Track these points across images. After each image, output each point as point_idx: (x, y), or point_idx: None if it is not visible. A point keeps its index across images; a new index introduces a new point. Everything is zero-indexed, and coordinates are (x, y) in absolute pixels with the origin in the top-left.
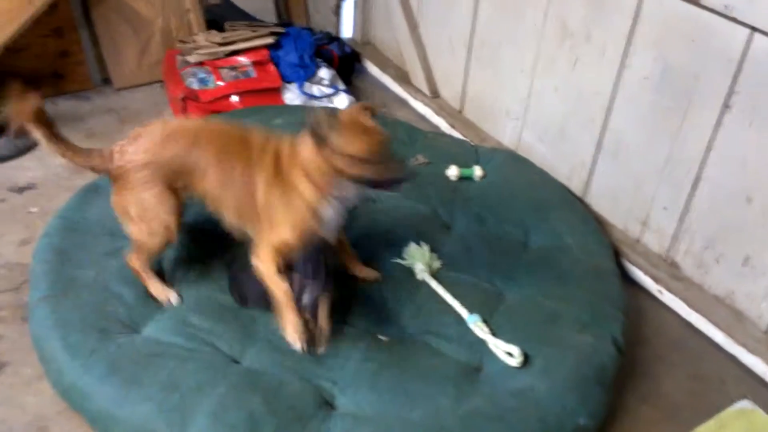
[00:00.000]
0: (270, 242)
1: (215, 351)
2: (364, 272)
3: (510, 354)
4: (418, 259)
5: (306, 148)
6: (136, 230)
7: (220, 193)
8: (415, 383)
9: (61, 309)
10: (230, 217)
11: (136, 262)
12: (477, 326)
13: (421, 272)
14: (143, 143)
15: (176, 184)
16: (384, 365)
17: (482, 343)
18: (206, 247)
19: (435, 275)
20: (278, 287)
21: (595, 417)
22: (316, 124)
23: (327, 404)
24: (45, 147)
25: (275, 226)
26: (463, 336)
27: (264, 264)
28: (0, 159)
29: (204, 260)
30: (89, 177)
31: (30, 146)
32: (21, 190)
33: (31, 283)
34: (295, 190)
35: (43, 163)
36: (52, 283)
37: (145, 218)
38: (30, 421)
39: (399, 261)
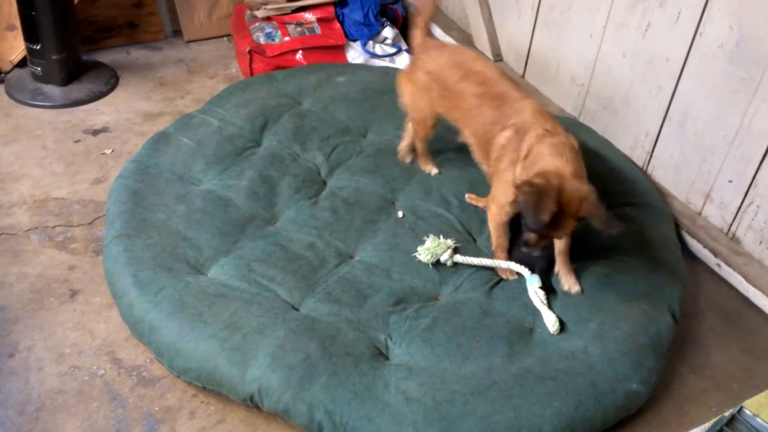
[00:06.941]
0: (492, 200)
1: (276, 297)
2: (566, 279)
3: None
4: (434, 248)
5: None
6: (408, 110)
7: (466, 126)
8: (468, 340)
9: (133, 247)
10: (474, 149)
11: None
12: (532, 287)
13: (448, 258)
14: (435, 57)
15: (437, 105)
16: (438, 321)
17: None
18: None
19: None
20: (495, 237)
21: (647, 384)
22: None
23: (381, 354)
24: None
25: (493, 189)
26: (518, 297)
27: (491, 217)
28: (77, 102)
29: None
30: (160, 124)
31: (105, 92)
32: (96, 132)
33: (107, 221)
34: (511, 168)
35: (117, 109)
36: (125, 223)
37: (411, 108)
38: (99, 346)
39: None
